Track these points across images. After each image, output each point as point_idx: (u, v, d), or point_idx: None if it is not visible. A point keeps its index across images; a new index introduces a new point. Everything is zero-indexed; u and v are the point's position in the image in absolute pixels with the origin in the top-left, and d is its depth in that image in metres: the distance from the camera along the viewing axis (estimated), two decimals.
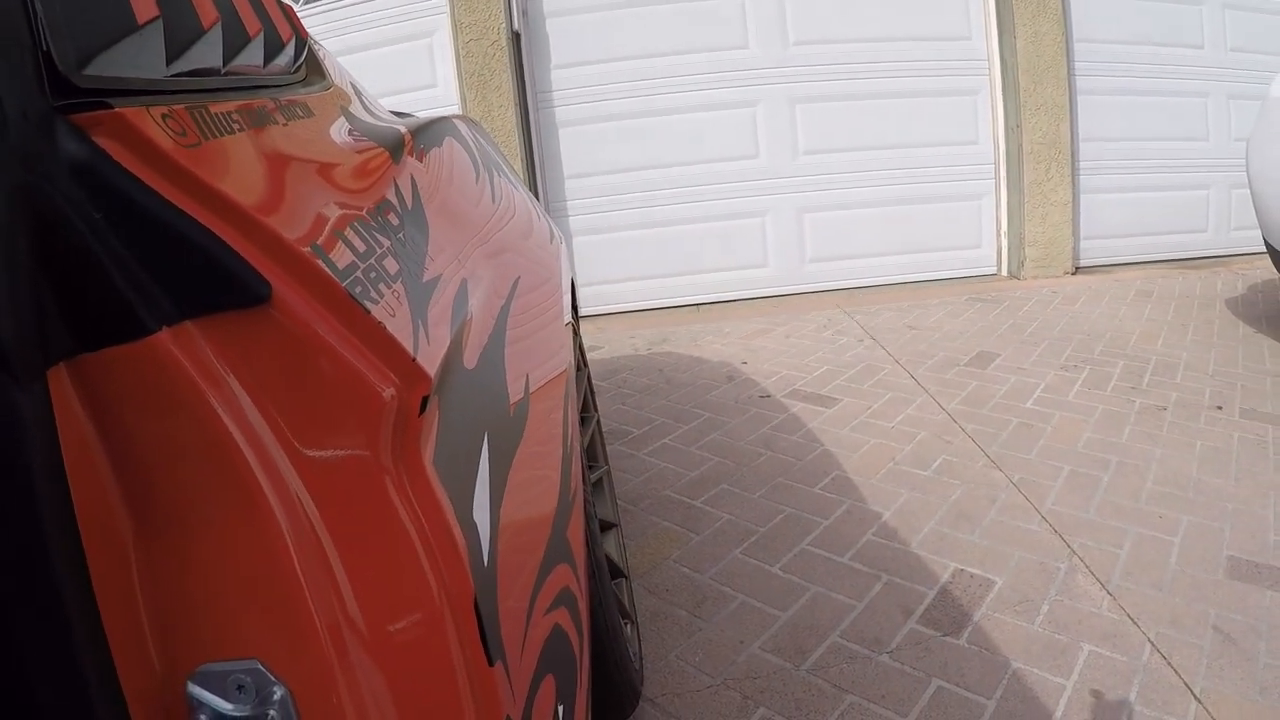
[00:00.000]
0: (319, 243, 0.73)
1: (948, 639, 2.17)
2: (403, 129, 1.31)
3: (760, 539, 2.74)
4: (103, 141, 0.61)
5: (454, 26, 5.80)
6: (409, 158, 1.21)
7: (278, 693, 0.61)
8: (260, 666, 0.61)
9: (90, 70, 0.63)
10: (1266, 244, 4.40)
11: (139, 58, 0.71)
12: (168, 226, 0.61)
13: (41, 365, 0.56)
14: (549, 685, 0.99)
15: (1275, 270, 4.56)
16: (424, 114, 1.82)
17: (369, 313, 0.71)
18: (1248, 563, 2.42)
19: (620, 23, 5.88)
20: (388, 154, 1.13)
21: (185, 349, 0.60)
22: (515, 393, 1.15)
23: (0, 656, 0.57)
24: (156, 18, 0.74)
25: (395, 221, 0.96)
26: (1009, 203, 6.18)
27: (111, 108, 0.63)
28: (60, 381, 0.58)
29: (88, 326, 0.58)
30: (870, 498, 2.95)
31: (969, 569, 2.48)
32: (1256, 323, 4.74)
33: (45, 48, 0.59)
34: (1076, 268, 6.26)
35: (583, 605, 1.31)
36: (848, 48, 5.98)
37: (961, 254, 6.29)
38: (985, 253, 6.32)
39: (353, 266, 0.75)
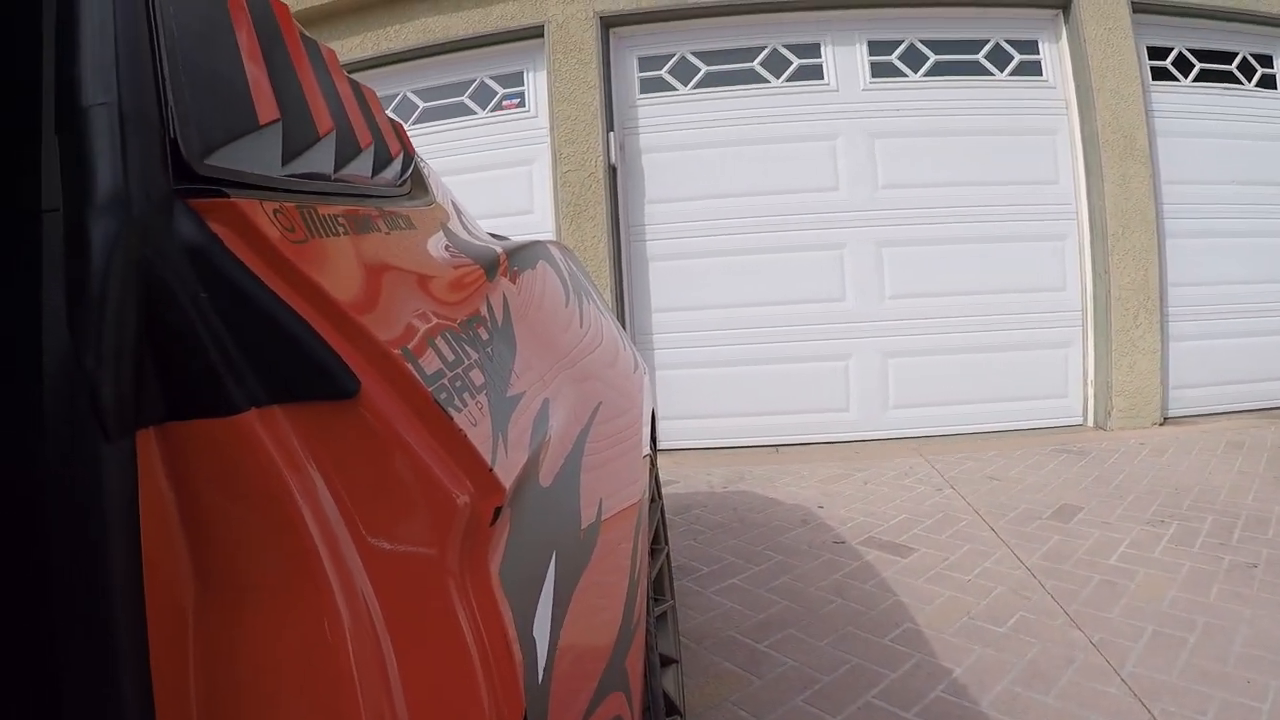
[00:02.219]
0: (409, 347, 0.74)
1: None
2: (498, 249, 1.34)
3: (824, 688, 2.66)
4: (216, 227, 0.64)
5: (554, 157, 6.02)
6: (503, 277, 1.24)
7: None
8: None
9: (211, 160, 0.67)
10: None
11: (257, 155, 0.75)
12: (267, 313, 0.63)
13: (132, 426, 0.58)
14: None
15: None
16: (520, 237, 1.87)
17: (451, 419, 0.72)
18: None
19: (714, 161, 6.04)
20: (482, 271, 1.16)
21: (270, 431, 0.62)
22: (587, 516, 1.15)
23: (48, 702, 0.58)
24: (277, 120, 0.78)
25: (485, 336, 0.98)
26: (1096, 350, 6.13)
27: (228, 196, 0.66)
28: (147, 445, 0.59)
29: (180, 397, 0.60)
30: (942, 653, 2.86)
31: None
32: None
33: (173, 135, 0.64)
34: (1165, 418, 6.14)
35: None
36: (936, 192, 6.06)
37: (1047, 403, 6.21)
38: (1071, 402, 6.24)
39: (440, 373, 0.77)
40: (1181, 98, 6.20)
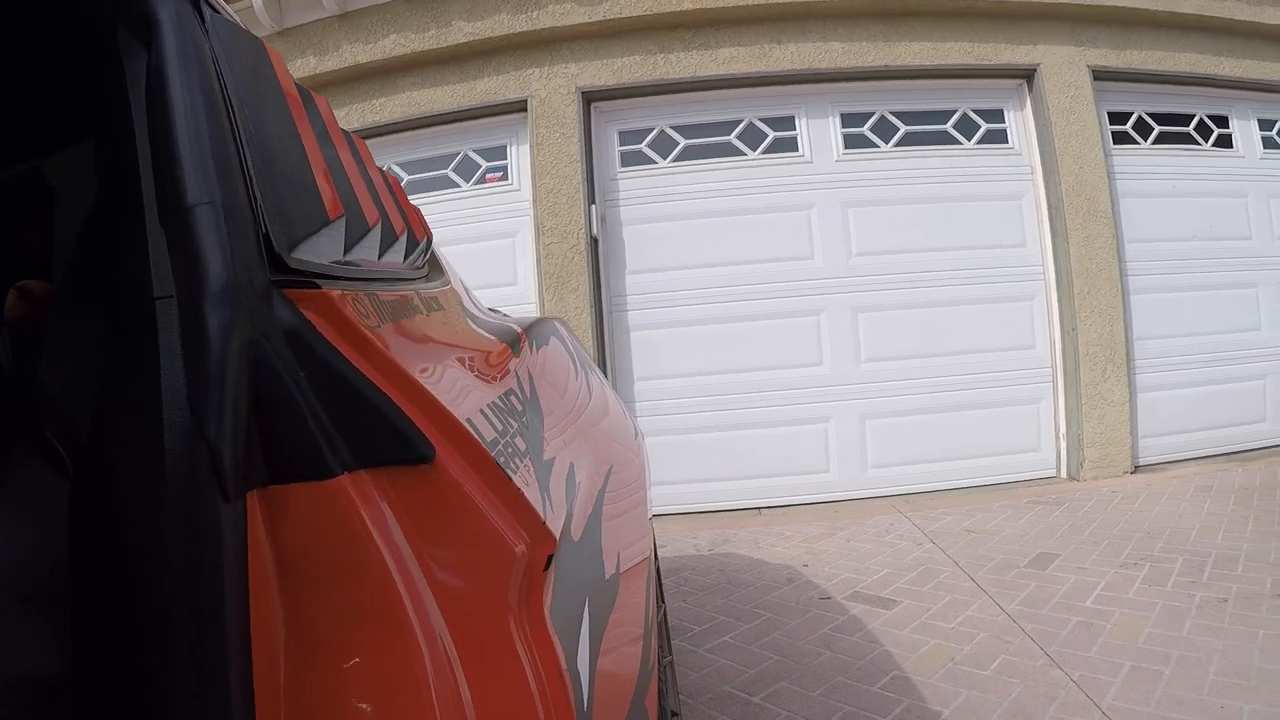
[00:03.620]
0: (471, 417, 0.86)
1: None
2: (517, 327, 1.46)
3: None
4: (309, 314, 0.75)
5: (536, 229, 6.15)
6: (525, 352, 1.35)
7: None
8: None
9: (296, 254, 0.79)
10: None
11: (325, 247, 0.87)
12: (356, 390, 0.74)
13: (244, 488, 0.68)
14: None
15: None
16: (523, 314, 1.97)
17: (511, 480, 0.83)
18: None
19: (693, 233, 6.18)
20: (508, 348, 1.28)
21: (360, 492, 0.72)
22: (610, 567, 1.25)
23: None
24: (342, 215, 0.90)
25: (519, 407, 1.10)
26: (1067, 405, 6.27)
27: (319, 287, 0.78)
28: (252, 505, 0.69)
29: (281, 462, 0.71)
30: (929, 697, 2.94)
31: None
32: None
33: (264, 230, 0.75)
34: (1136, 466, 6.28)
35: None
36: (908, 258, 6.21)
37: (1021, 457, 6.33)
38: (1044, 455, 6.36)
39: (495, 440, 0.88)
40: (1142, 160, 6.45)
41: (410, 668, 0.71)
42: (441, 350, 1.05)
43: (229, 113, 0.78)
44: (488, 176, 6.45)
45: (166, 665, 0.67)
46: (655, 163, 6.29)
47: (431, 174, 6.52)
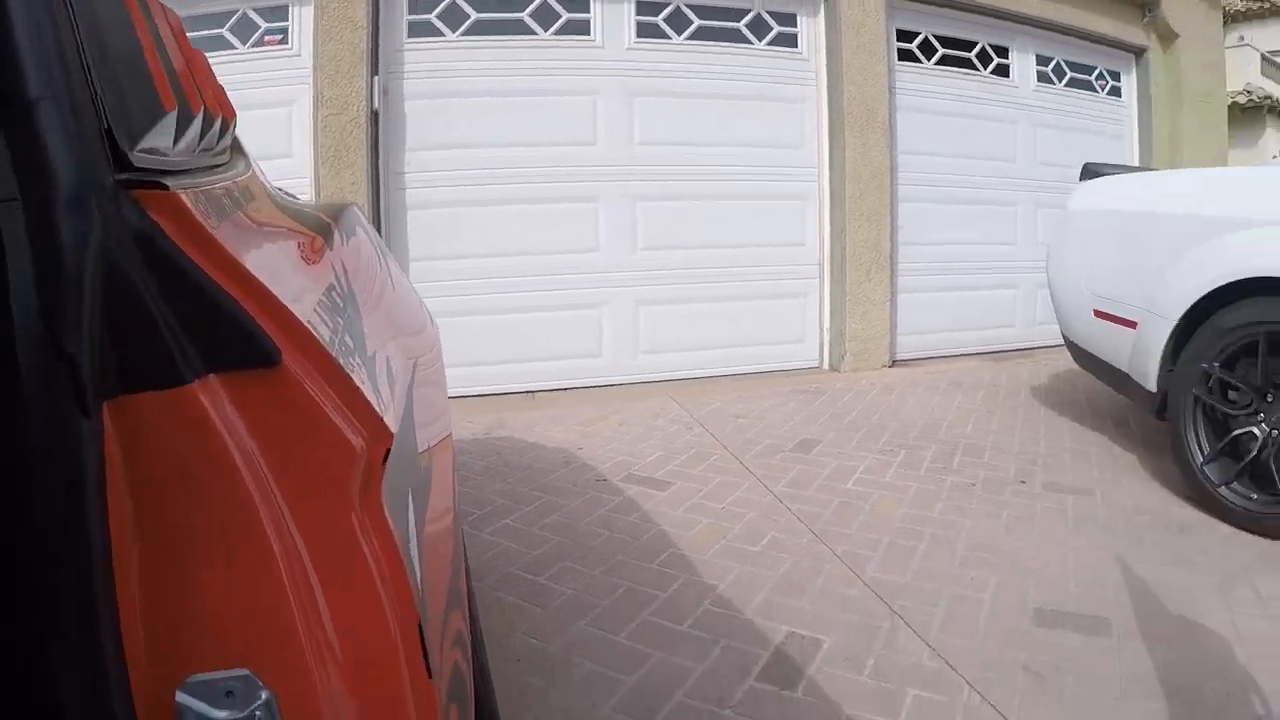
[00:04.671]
0: (308, 317, 0.86)
1: (784, 693, 2.33)
2: (325, 216, 1.44)
3: (603, 611, 2.84)
4: (155, 216, 0.72)
5: (315, 99, 5.83)
6: (337, 243, 1.34)
7: (263, 696, 0.70)
8: (250, 675, 0.71)
9: (139, 148, 0.76)
10: (1064, 337, 4.94)
11: (160, 139, 0.84)
12: (205, 294, 0.72)
13: (101, 400, 0.67)
14: (455, 715, 1.09)
15: (1073, 360, 5.02)
16: (309, 199, 1.93)
17: (350, 378, 0.83)
18: (1051, 612, 2.72)
19: (477, 111, 6.05)
20: (323, 240, 1.26)
21: (210, 398, 0.72)
22: (423, 455, 1.27)
23: (35, 641, 0.67)
24: (175, 106, 0.87)
25: (340, 302, 1.09)
26: (832, 301, 6.61)
27: (166, 188, 0.75)
28: (106, 417, 0.68)
29: (133, 372, 0.69)
30: (705, 572, 3.10)
31: (800, 631, 2.65)
32: (1057, 407, 5.29)
33: (106, 126, 0.71)
34: (894, 361, 6.72)
35: (468, 651, 1.42)
36: (690, 150, 6.31)
37: (787, 348, 6.65)
38: (809, 347, 6.70)
39: (331, 340, 0.88)
40: (922, 78, 6.84)
41: (267, 571, 0.72)
42: (268, 246, 1.03)
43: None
44: (266, 39, 6.03)
45: (35, 598, 0.67)
46: (444, 35, 6.06)
47: (206, 33, 5.96)
